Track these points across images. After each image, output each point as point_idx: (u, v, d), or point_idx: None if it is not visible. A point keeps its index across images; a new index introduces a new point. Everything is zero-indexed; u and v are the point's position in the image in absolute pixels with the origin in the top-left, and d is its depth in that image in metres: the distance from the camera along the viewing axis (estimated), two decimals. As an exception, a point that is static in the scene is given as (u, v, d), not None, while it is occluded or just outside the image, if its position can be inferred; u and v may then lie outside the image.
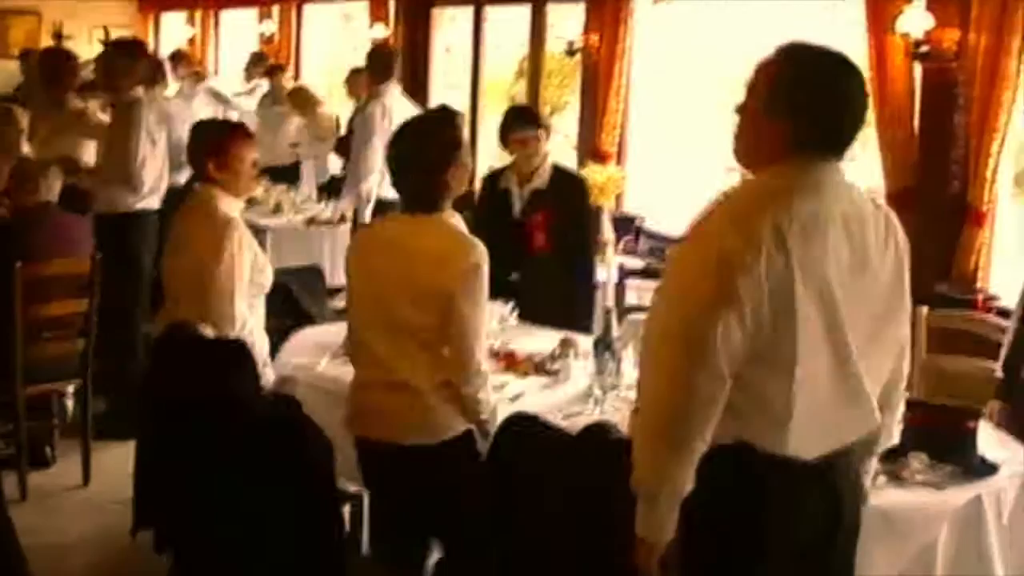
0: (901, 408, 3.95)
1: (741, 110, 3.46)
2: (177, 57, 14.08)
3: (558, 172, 6.98)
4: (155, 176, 8.20)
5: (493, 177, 7.12)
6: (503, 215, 6.90)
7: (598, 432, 3.93)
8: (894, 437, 4.00)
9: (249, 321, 5.64)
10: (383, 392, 4.67)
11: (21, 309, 6.47)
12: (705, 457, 3.33)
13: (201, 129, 6.03)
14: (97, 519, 6.54)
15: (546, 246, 6.53)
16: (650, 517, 3.38)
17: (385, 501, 4.96)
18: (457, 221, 4.70)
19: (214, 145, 5.78)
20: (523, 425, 4.18)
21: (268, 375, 5.59)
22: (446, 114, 4.80)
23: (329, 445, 4.21)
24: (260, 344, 5.67)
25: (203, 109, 12.20)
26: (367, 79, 10.49)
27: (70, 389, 7.32)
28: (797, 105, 3.32)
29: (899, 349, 3.68)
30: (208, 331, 5.45)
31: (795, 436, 3.35)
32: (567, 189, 6.93)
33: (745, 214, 3.29)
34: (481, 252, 4.57)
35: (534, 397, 5.25)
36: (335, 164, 11.99)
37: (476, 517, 4.37)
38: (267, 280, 5.82)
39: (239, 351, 5.22)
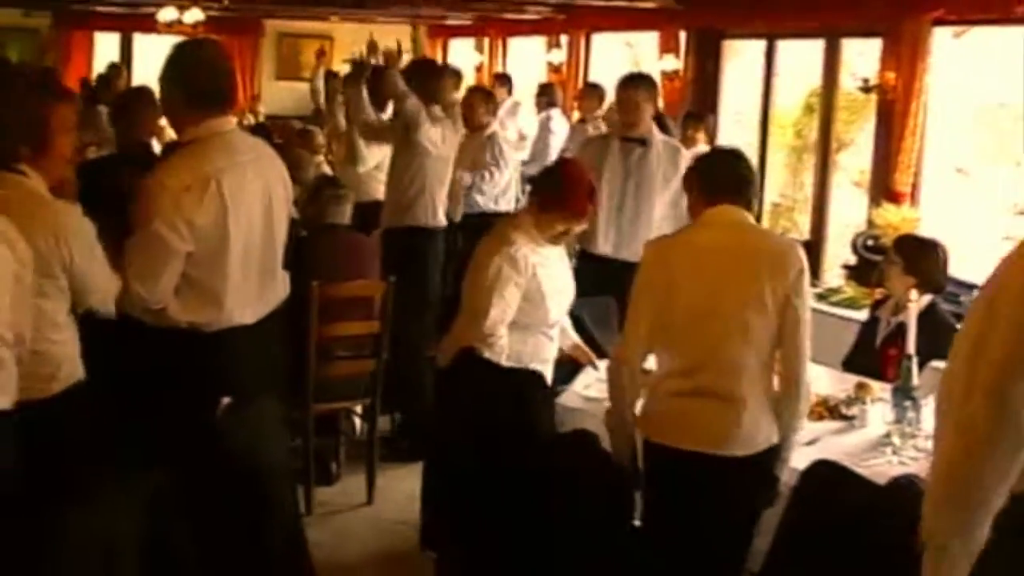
0: None
1: None
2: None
3: (931, 314, 6.27)
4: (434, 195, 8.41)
5: (879, 303, 6.85)
6: (867, 341, 6.65)
7: (907, 485, 3.80)
8: None
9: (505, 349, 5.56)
10: (706, 401, 4.59)
11: (315, 328, 6.60)
12: (1005, 508, 3.15)
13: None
14: (379, 538, 6.62)
15: (895, 379, 6.03)
16: (939, 570, 3.19)
17: (679, 517, 4.69)
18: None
19: (546, 183, 5.76)
20: (829, 472, 4.07)
21: None
22: None
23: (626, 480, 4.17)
24: None
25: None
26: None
27: (358, 408, 7.46)
28: None
29: None
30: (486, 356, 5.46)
31: None
32: (933, 334, 5.85)
33: None
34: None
35: (829, 442, 5.13)
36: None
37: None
38: (541, 320, 5.69)
39: (533, 381, 5.22)
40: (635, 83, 8.06)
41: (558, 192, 5.61)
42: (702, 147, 10.56)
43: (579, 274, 7.37)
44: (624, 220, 7.88)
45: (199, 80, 4.77)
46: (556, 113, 14.37)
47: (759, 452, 4.53)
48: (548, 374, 5.78)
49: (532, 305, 5.61)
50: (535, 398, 5.12)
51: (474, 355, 5.44)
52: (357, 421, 7.75)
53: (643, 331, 4.75)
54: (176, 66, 4.88)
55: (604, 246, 7.88)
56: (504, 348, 5.53)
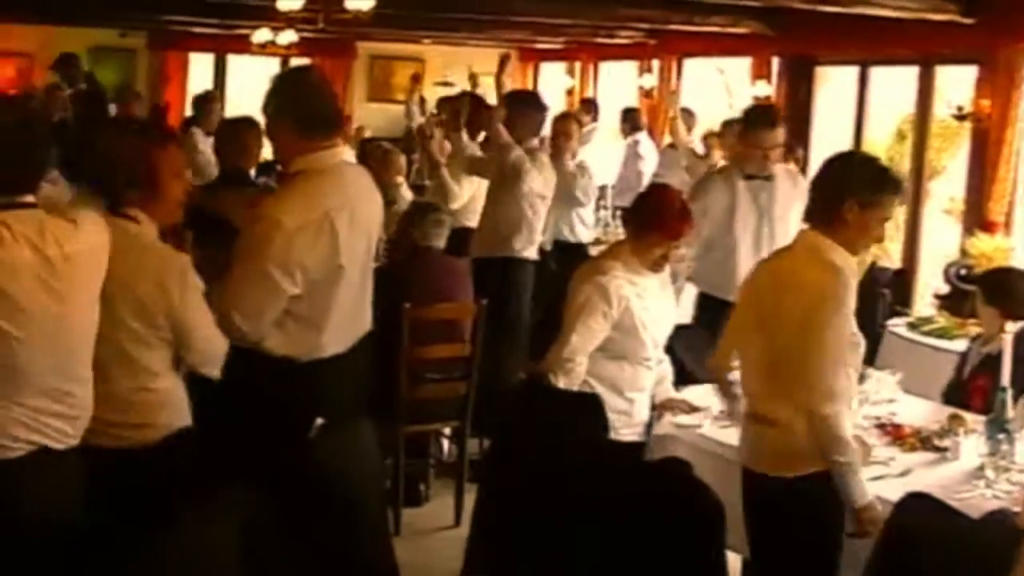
0: None
1: None
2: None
3: (1019, 344, 5.83)
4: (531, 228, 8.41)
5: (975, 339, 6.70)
6: (956, 373, 6.58)
7: (1001, 519, 3.78)
8: None
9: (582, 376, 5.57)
10: (754, 423, 4.73)
11: (407, 351, 6.63)
12: None
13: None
14: (466, 560, 6.64)
15: (981, 409, 5.83)
16: None
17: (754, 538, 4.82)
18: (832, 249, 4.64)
19: (639, 209, 5.73)
20: (922, 505, 4.05)
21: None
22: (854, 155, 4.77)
23: (720, 508, 4.17)
24: (613, 403, 5.58)
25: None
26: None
27: (447, 430, 7.49)
28: None
29: None
30: (560, 382, 5.47)
31: None
32: (1020, 364, 5.52)
33: None
34: (843, 279, 4.54)
35: (921, 474, 5.10)
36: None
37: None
38: (636, 351, 5.66)
39: (585, 403, 5.22)
40: (774, 121, 7.47)
41: (652, 214, 5.61)
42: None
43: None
44: None
45: (308, 106, 4.77)
46: (643, 137, 14.35)
47: (814, 472, 4.54)
48: (646, 403, 5.80)
49: (625, 335, 5.61)
50: (584, 419, 5.13)
51: (536, 377, 5.49)
52: (445, 443, 7.79)
53: (726, 346, 5.02)
54: (284, 94, 4.89)
55: None
56: (580, 376, 5.55)
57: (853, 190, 4.55)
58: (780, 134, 7.42)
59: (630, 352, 5.66)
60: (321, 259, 4.65)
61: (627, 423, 5.62)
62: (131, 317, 4.11)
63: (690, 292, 7.67)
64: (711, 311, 7.21)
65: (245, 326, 4.63)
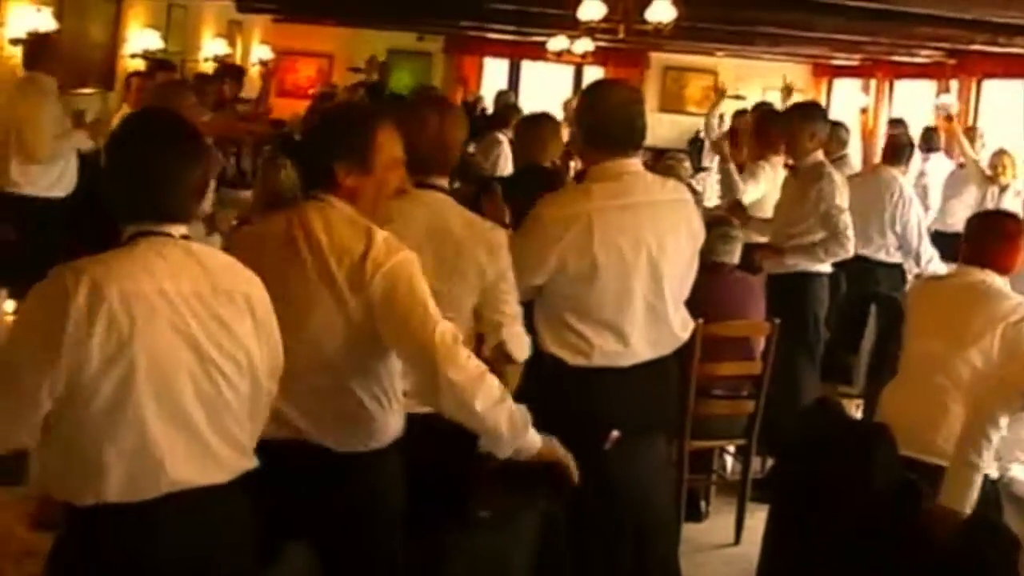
0: None
1: None
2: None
3: None
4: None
5: None
6: None
7: None
8: None
9: None
10: None
11: (697, 366, 6.62)
12: None
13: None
14: (744, 580, 6.60)
15: None
16: None
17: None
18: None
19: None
20: None
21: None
22: None
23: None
24: None
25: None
26: None
27: (731, 447, 7.46)
28: None
29: None
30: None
31: None
32: None
33: None
34: None
35: None
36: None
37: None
38: None
39: (878, 434, 5.12)
40: None
41: None
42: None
43: None
44: None
45: (601, 122, 4.83)
46: (935, 157, 14.01)
47: None
48: None
49: None
50: (881, 454, 5.02)
51: (828, 402, 5.42)
52: (728, 460, 7.74)
53: None
54: (584, 105, 5.01)
55: None
56: None
57: None
58: None
59: None
60: (572, 252, 4.70)
61: None
62: None
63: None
64: None
65: None
